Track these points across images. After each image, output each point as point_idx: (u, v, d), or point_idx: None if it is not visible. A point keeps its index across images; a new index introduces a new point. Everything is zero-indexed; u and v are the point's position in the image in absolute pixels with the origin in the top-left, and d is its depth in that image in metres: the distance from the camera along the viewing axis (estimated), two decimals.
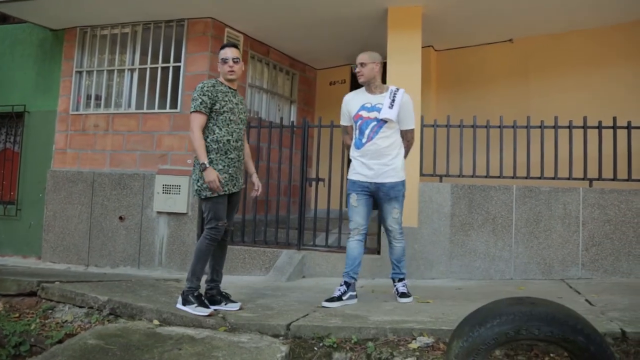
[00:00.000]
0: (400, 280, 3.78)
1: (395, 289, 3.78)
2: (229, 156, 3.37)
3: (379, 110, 3.58)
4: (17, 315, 3.64)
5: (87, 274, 5.08)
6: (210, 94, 3.31)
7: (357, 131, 3.68)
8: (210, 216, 3.32)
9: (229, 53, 3.41)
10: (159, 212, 5.60)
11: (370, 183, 3.62)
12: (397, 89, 3.65)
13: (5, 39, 6.79)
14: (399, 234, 3.71)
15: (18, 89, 6.58)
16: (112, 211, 5.81)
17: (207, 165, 3.22)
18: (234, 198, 3.51)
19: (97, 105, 6.19)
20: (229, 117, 3.38)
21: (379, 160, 3.60)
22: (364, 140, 3.63)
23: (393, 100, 3.58)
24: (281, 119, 5.69)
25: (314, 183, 5.19)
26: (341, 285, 3.65)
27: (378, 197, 3.66)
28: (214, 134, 3.34)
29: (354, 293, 3.66)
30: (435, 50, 6.50)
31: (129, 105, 5.98)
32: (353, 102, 3.73)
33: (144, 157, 5.78)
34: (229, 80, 3.47)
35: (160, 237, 5.61)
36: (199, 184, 3.33)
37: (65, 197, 6.03)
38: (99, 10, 5.68)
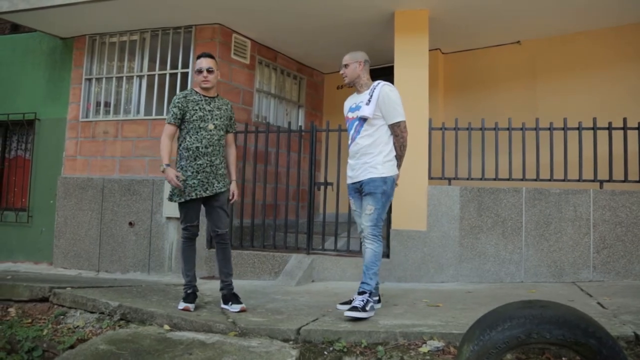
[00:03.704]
0: (361, 292, 3.27)
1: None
2: (198, 162, 3.52)
3: (360, 108, 3.47)
4: (29, 321, 3.68)
5: (98, 280, 5.12)
6: (180, 105, 3.53)
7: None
8: (181, 219, 3.61)
9: (203, 63, 3.56)
10: (168, 218, 5.63)
11: (355, 183, 3.53)
12: (378, 83, 3.48)
13: (16, 48, 6.88)
14: (370, 235, 3.36)
15: (29, 96, 6.67)
16: (122, 217, 5.85)
17: (165, 167, 3.45)
18: (213, 202, 3.61)
19: (107, 112, 6.25)
20: (199, 125, 3.53)
21: (360, 160, 3.47)
22: (349, 142, 3.57)
23: (371, 96, 3.43)
24: (289, 123, 5.70)
25: (322, 187, 5.19)
26: None
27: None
28: (185, 141, 3.54)
29: (376, 298, 3.49)
30: (443, 53, 6.49)
31: (138, 112, 6.03)
32: (345, 106, 3.69)
33: (153, 163, 5.82)
34: (204, 89, 3.60)
35: (169, 242, 5.64)
36: (169, 189, 3.58)
37: (76, 203, 6.09)
38: (107, 19, 5.74)
